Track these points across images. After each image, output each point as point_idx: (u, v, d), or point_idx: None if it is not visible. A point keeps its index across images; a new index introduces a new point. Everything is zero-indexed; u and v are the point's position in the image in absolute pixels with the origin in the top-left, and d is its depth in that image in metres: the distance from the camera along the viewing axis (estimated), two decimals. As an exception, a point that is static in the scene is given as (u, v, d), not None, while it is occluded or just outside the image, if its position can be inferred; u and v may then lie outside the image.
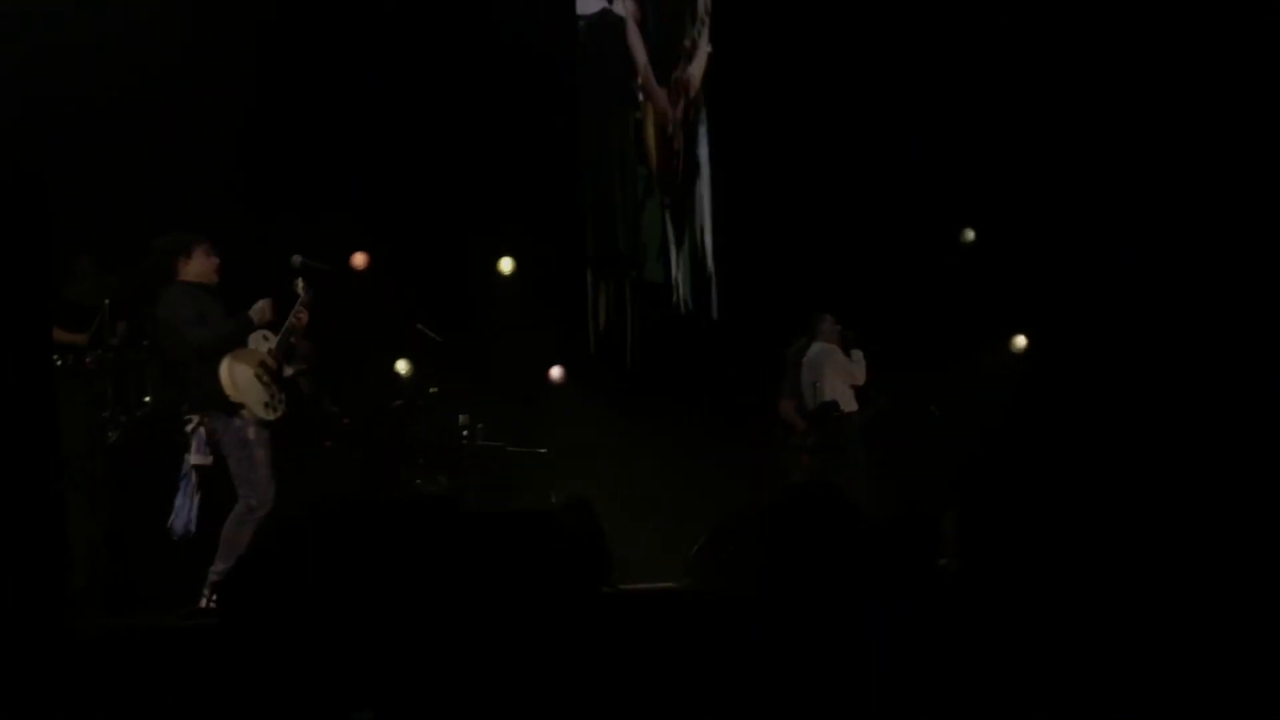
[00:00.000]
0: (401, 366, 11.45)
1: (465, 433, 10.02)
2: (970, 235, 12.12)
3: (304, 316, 7.73)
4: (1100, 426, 10.96)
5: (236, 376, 7.49)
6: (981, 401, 11.38)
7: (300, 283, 7.79)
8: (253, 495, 7.43)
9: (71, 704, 4.56)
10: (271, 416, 7.55)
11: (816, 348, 10.32)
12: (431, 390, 10.93)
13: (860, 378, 10.26)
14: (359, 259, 9.36)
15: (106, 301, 8.44)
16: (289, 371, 7.77)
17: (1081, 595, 6.45)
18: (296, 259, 7.77)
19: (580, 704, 5.65)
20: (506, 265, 10.84)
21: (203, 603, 7.31)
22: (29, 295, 5.14)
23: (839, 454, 10.02)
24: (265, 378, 7.59)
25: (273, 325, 7.66)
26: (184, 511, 7.78)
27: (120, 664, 5.26)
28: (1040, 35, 11.58)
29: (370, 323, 9.50)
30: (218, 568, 7.28)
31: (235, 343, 7.52)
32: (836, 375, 10.21)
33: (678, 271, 12.08)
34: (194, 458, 7.82)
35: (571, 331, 11.16)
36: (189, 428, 7.79)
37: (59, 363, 7.85)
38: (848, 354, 10.29)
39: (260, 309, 7.59)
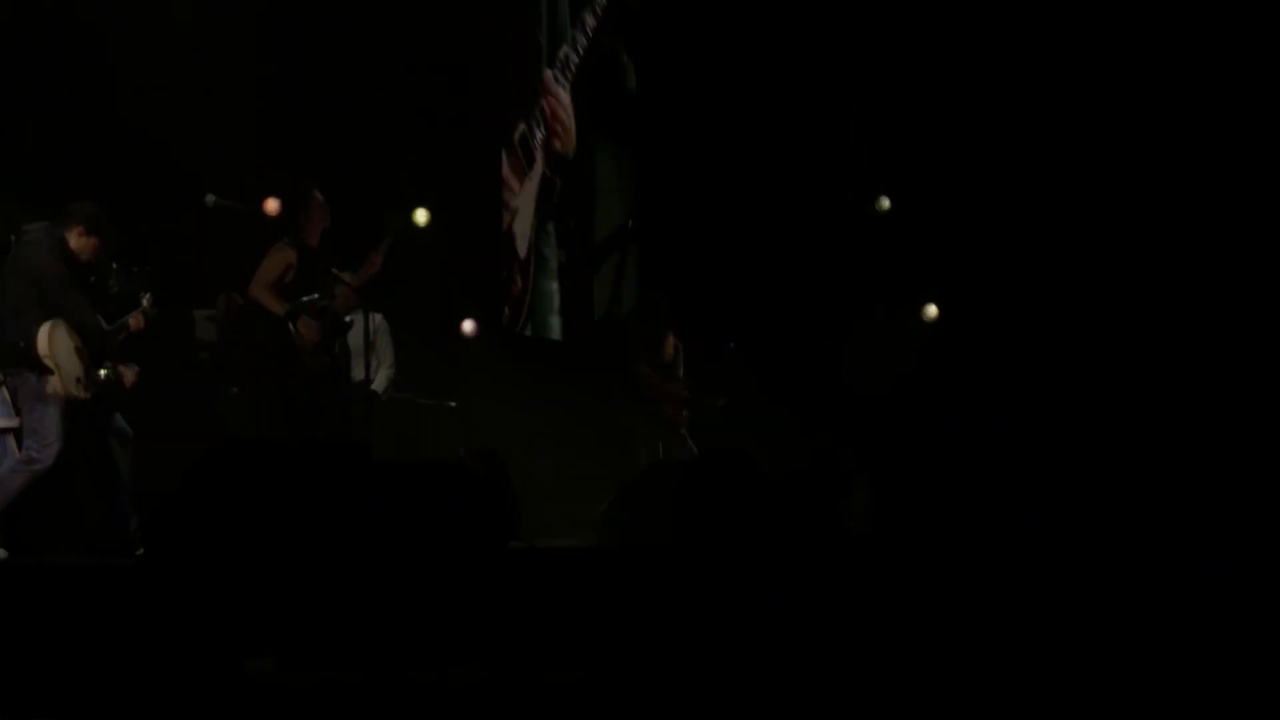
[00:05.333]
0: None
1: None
2: (885, 203, 12.16)
3: (138, 323, 7.77)
4: (1010, 396, 11.09)
5: (56, 341, 7.40)
6: (889, 367, 11.46)
7: (147, 297, 7.82)
8: (35, 447, 7.37)
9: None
10: (80, 394, 7.46)
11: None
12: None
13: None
14: (271, 204, 9.20)
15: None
16: (102, 371, 7.64)
17: (993, 565, 6.51)
18: (210, 198, 7.69)
19: (483, 656, 5.63)
20: (422, 216, 10.71)
21: None
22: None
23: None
24: (85, 356, 7.51)
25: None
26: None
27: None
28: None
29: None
30: None
31: (81, 327, 7.47)
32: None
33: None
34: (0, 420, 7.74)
35: (484, 286, 11.08)
36: None
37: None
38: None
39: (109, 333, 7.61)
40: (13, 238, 7.56)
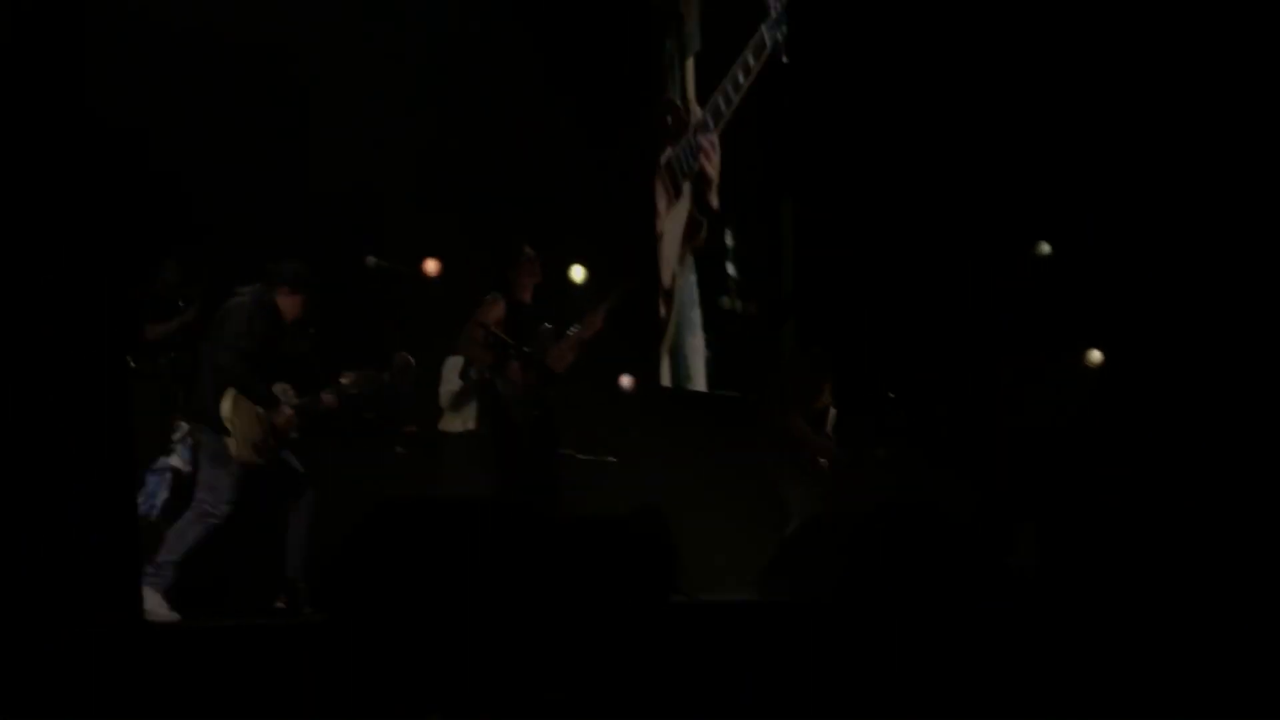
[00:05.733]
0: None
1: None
2: (1046, 247, 11.98)
3: (332, 402, 7.79)
4: (1176, 440, 10.82)
5: (239, 405, 7.48)
6: (1055, 413, 11.26)
7: (349, 376, 7.84)
8: (210, 501, 7.42)
9: (150, 698, 4.54)
10: (255, 459, 7.50)
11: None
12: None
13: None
14: (431, 265, 9.33)
15: (181, 304, 8.49)
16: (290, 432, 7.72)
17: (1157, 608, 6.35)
18: (371, 260, 7.77)
19: (647, 711, 5.59)
20: (578, 274, 10.77)
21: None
22: (107, 295, 5.10)
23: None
24: (268, 425, 7.58)
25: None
26: (155, 497, 7.80)
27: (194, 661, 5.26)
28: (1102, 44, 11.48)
29: (442, 328, 9.48)
30: (159, 559, 7.27)
31: (249, 393, 7.50)
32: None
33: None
34: (174, 460, 7.86)
35: (642, 341, 11.09)
36: (176, 435, 7.82)
37: (132, 365, 7.89)
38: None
39: (283, 414, 7.61)
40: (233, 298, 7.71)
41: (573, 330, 8.69)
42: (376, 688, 5.25)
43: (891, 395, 10.34)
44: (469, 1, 10.16)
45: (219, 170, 8.67)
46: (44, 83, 4.81)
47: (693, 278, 11.74)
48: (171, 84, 8.37)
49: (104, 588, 4.59)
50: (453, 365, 9.76)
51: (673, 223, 11.48)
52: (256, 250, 8.06)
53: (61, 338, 4.67)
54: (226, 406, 7.45)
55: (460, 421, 9.55)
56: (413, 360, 9.41)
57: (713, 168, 11.73)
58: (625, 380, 10.73)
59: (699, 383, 11.72)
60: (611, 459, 10.28)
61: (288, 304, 7.66)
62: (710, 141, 11.69)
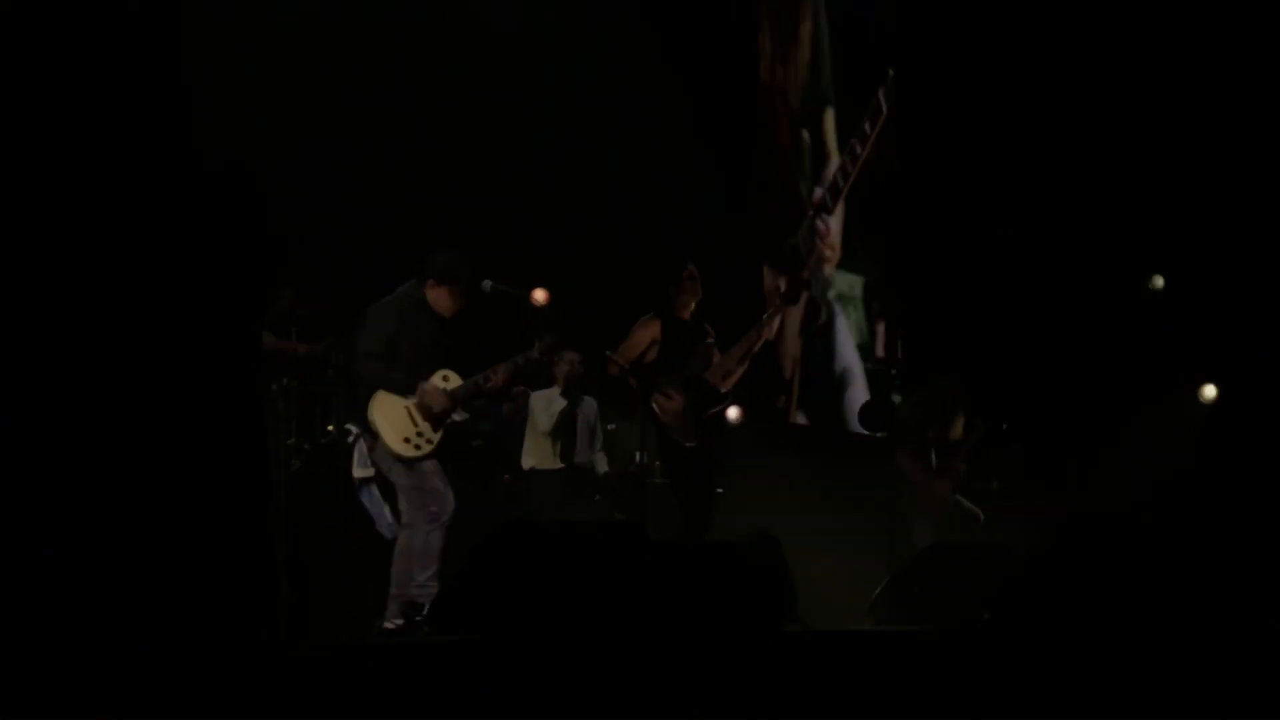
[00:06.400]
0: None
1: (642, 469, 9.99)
2: (1160, 282, 11.86)
3: (497, 380, 7.71)
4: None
5: (381, 404, 7.45)
6: (1164, 453, 11.14)
7: (538, 347, 7.78)
8: (432, 501, 7.38)
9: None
10: (408, 453, 7.42)
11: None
12: (610, 427, 10.94)
13: None
14: (539, 294, 9.38)
15: (294, 327, 8.65)
16: (457, 416, 7.66)
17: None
18: (486, 284, 7.80)
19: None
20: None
21: (389, 624, 7.33)
22: (245, 315, 5.18)
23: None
24: (418, 415, 7.49)
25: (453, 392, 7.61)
26: (381, 516, 7.88)
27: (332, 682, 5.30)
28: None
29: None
30: (418, 579, 7.30)
31: (389, 386, 7.46)
32: None
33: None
34: (356, 470, 7.94)
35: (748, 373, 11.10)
36: (350, 439, 7.89)
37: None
38: None
39: (431, 391, 7.50)
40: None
41: (737, 349, 8.52)
42: (498, 707, 5.26)
43: (1005, 427, 10.22)
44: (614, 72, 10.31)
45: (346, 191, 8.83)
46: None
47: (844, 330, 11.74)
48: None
49: (243, 610, 4.62)
50: (541, 400, 9.85)
51: (792, 319, 11.48)
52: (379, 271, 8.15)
53: (197, 359, 4.72)
54: (372, 406, 7.45)
55: (547, 459, 9.66)
56: (530, 393, 9.52)
57: (833, 244, 11.74)
58: (733, 412, 10.71)
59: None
60: (718, 490, 10.25)
61: (438, 296, 7.63)
62: (825, 223, 11.69)
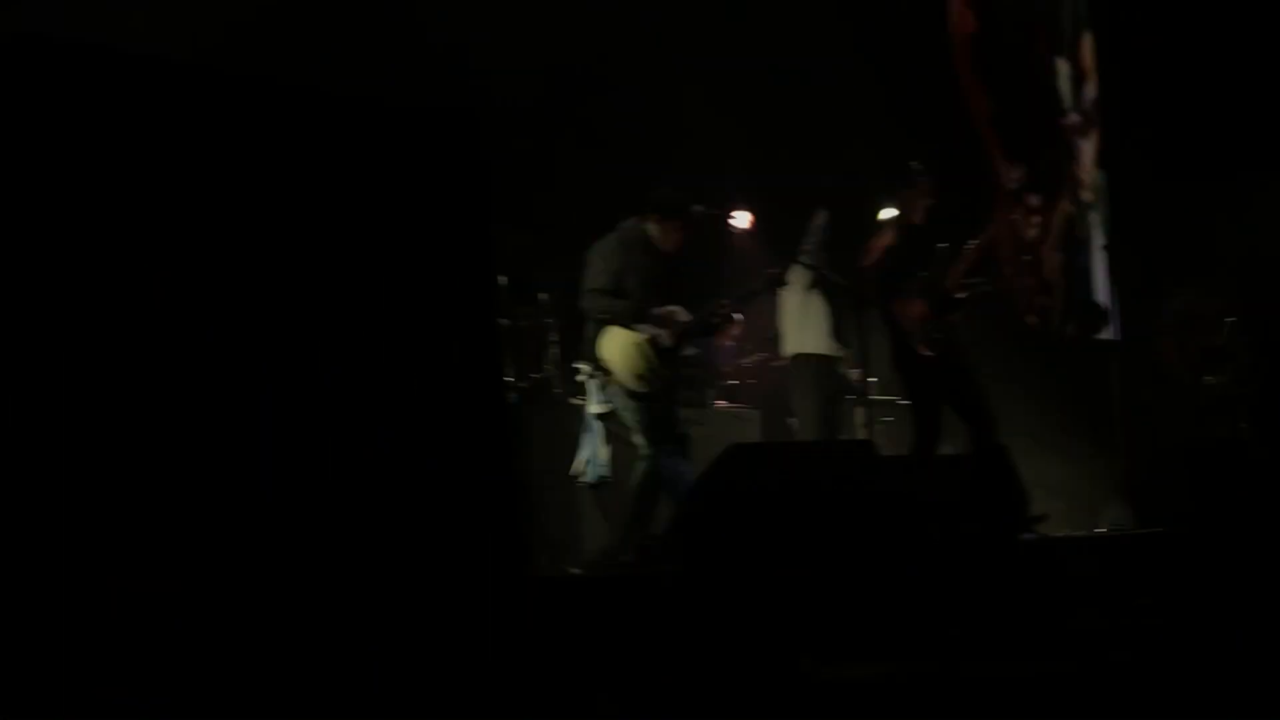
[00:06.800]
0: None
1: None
2: None
3: (725, 313, 7.75)
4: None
5: (609, 340, 7.40)
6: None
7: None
8: (641, 443, 7.35)
9: (533, 643, 4.64)
10: (641, 388, 7.36)
11: None
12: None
13: None
14: (744, 217, 9.31)
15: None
16: (687, 350, 7.69)
17: None
18: (698, 208, 7.74)
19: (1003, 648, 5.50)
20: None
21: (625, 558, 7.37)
22: (480, 262, 5.21)
23: None
24: (648, 349, 7.42)
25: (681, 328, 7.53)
26: (593, 462, 7.92)
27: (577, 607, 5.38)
28: None
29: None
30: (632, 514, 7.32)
31: (620, 322, 7.42)
32: None
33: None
34: (593, 406, 7.96)
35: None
36: (585, 377, 7.91)
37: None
38: None
39: (669, 314, 7.45)
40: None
41: (970, 245, 8.14)
42: (735, 633, 5.27)
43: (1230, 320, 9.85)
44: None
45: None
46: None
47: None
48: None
49: (496, 536, 4.66)
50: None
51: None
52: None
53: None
54: (601, 343, 7.43)
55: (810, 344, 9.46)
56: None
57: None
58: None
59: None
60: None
61: (661, 231, 7.54)
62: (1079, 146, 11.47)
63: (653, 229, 7.49)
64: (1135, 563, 6.99)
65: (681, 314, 7.47)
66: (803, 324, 9.38)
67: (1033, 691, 4.17)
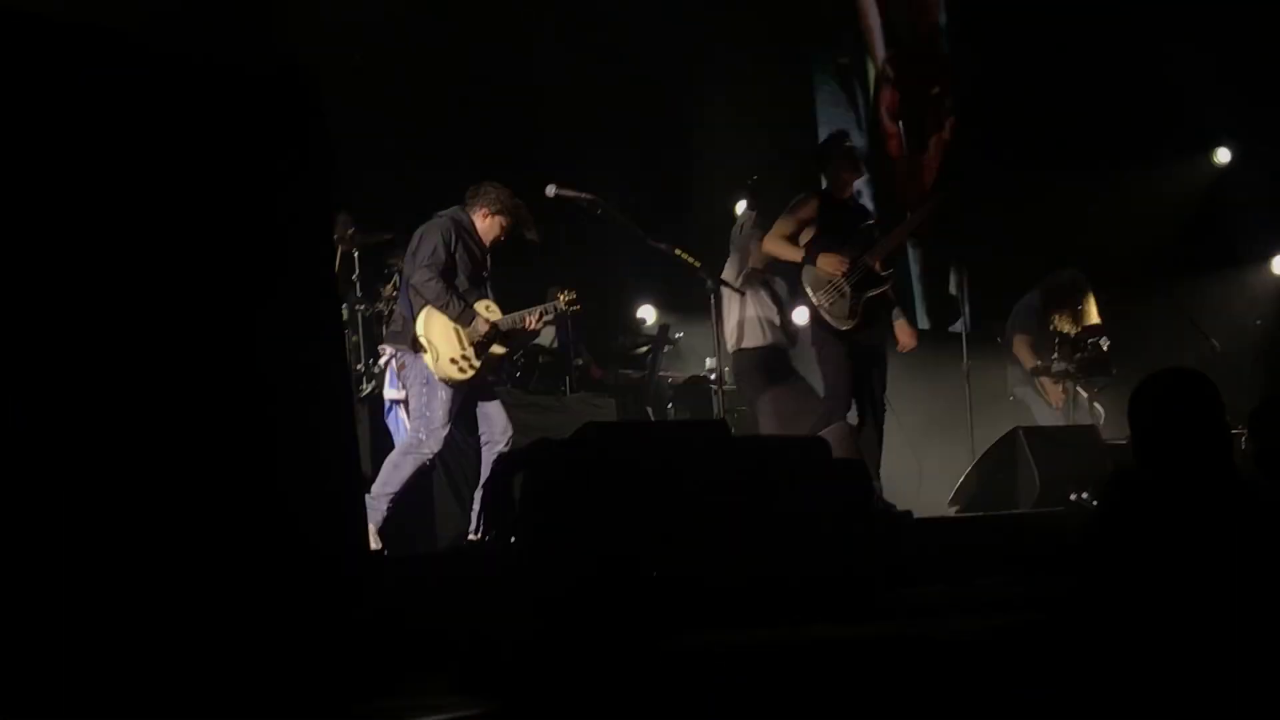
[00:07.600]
0: (647, 313, 11.48)
1: (713, 377, 9.94)
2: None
3: (533, 324, 7.75)
4: None
5: (432, 321, 7.49)
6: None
7: (566, 293, 7.90)
8: (423, 429, 7.44)
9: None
10: (457, 376, 7.48)
11: None
12: (677, 336, 10.95)
13: None
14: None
15: (355, 253, 8.71)
16: (495, 349, 7.68)
17: None
18: (551, 189, 7.77)
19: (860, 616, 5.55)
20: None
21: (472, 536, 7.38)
22: (319, 244, 5.14)
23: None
24: (464, 338, 7.52)
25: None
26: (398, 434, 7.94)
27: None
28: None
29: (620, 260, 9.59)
30: (373, 491, 7.31)
31: (442, 309, 7.50)
32: None
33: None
34: (389, 391, 7.98)
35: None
36: (382, 360, 7.93)
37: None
38: None
39: (478, 317, 7.53)
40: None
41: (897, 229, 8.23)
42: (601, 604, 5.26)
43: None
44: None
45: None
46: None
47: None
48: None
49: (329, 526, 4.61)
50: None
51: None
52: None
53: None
54: (421, 322, 7.50)
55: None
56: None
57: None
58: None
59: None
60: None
61: (485, 225, 7.69)
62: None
63: (478, 220, 7.64)
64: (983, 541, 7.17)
65: (494, 310, 7.55)
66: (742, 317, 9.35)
67: (877, 652, 4.23)
